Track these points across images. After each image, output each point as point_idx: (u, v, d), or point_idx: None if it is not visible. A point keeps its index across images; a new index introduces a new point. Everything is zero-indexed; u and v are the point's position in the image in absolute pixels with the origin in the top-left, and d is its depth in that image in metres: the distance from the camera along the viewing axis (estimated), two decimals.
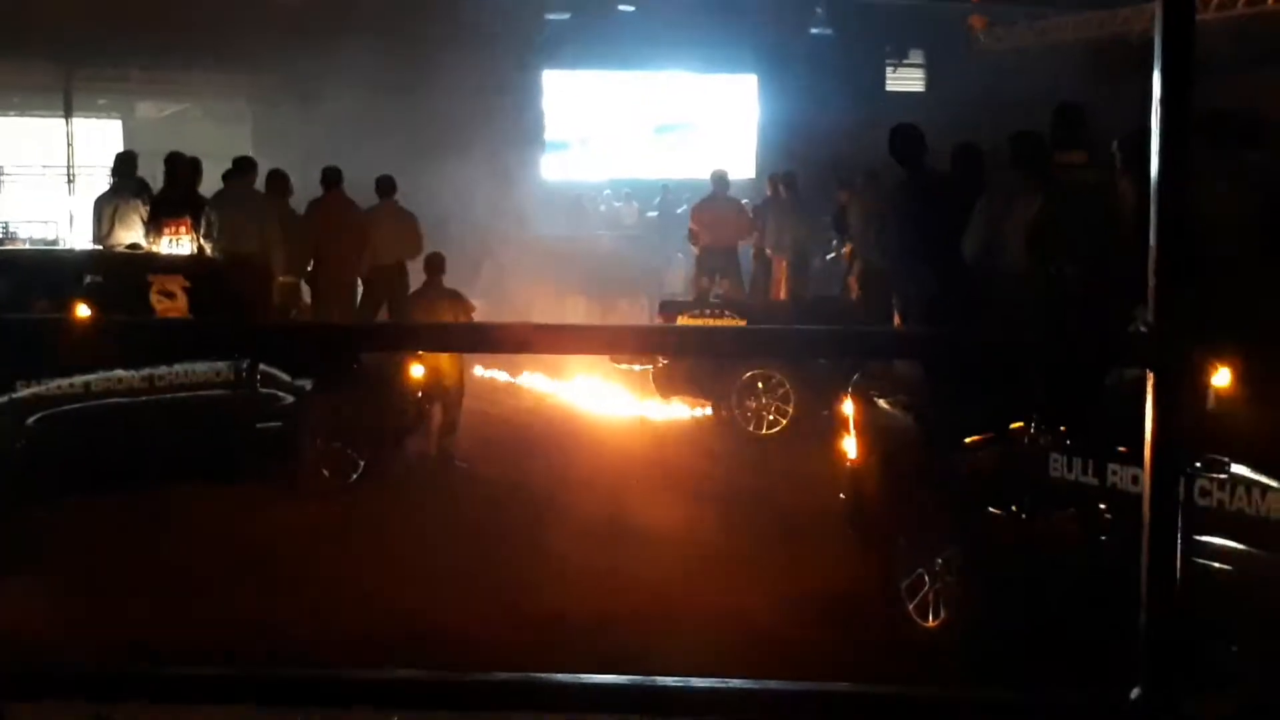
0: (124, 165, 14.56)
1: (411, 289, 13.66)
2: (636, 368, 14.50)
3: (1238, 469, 5.85)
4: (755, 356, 12.23)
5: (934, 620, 7.42)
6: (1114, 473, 6.40)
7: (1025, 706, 2.81)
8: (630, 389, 14.89)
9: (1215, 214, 7.05)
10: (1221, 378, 5.99)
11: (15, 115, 27.40)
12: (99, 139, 26.27)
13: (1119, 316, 6.25)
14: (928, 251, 9.75)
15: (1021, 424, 7.08)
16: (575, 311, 18.83)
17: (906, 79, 29.76)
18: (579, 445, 12.75)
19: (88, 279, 10.48)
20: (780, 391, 13.28)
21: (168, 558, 8.59)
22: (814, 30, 27.53)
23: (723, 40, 25.47)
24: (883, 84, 29.27)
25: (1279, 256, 7.54)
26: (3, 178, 26.59)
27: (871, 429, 8.44)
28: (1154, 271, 2.44)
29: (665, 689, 2.73)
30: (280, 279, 13.59)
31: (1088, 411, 6.61)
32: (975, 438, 7.50)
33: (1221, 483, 5.87)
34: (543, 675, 2.81)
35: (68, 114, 25.48)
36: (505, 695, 2.81)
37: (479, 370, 15.13)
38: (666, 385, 13.99)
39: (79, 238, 20.85)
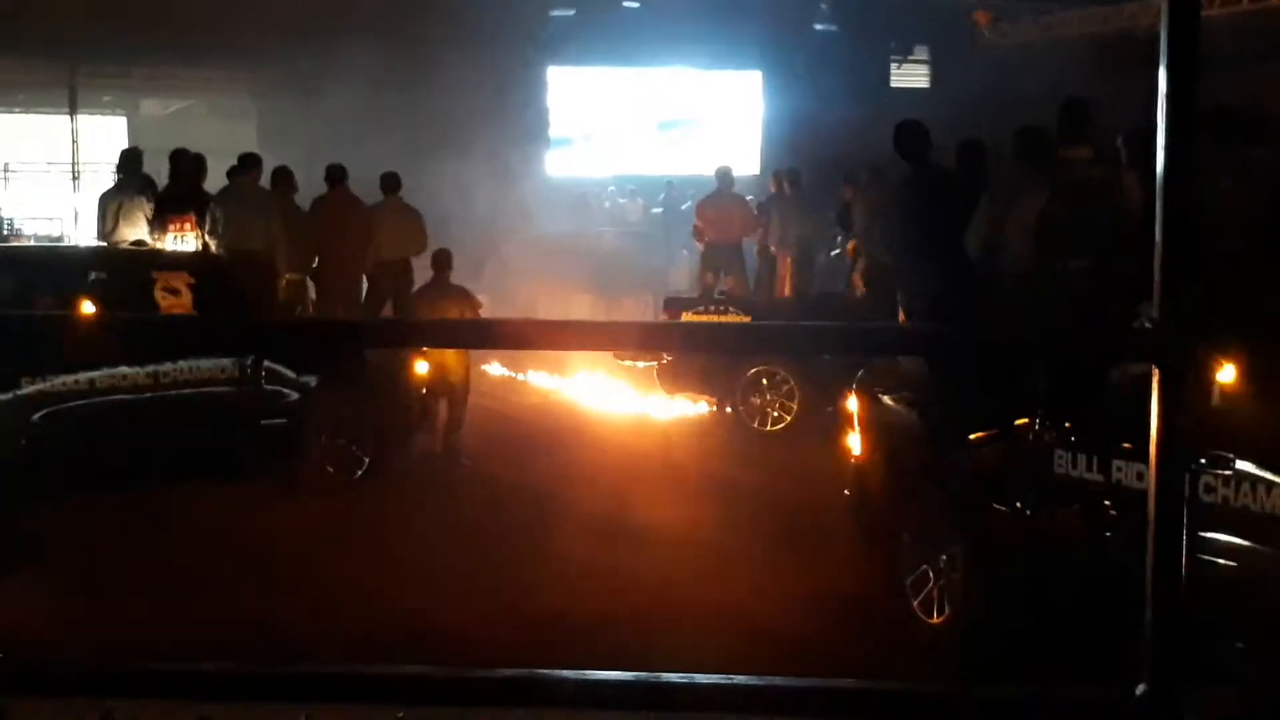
0: (129, 162, 14.57)
1: (416, 285, 13.66)
2: (641, 364, 14.50)
3: (1242, 465, 5.84)
4: (760, 353, 12.22)
5: (938, 616, 7.41)
6: (1119, 469, 6.39)
7: (1030, 703, 2.81)
8: (635, 385, 14.89)
9: (1219, 210, 7.04)
10: (1226, 374, 5.98)
11: (20, 112, 27.42)
12: (104, 136, 26.31)
13: (1124, 313, 6.24)
14: (932, 248, 9.74)
15: (1026, 420, 7.07)
16: (580, 308, 18.81)
17: (911, 75, 29.71)
18: (583, 442, 12.74)
19: (92, 275, 10.48)
20: (785, 388, 13.27)
21: (171, 555, 8.59)
22: (818, 26, 27.48)
23: (727, 36, 25.44)
24: (887, 80, 29.21)
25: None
26: (8, 174, 26.60)
27: (876, 425, 8.43)
28: (1159, 267, 2.44)
29: (669, 685, 2.73)
30: (286, 276, 13.61)
31: (1092, 408, 6.61)
32: (980, 434, 7.50)
33: (1226, 479, 5.86)
34: (547, 671, 2.82)
35: (72, 111, 25.49)
36: (509, 691, 2.81)
37: (484, 367, 15.13)
38: (671, 382, 13.99)
39: (84, 234, 20.86)
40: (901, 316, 10.43)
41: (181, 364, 9.95)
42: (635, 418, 14.18)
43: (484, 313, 12.51)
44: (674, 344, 9.94)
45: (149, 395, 9.85)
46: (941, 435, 7.76)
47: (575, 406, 14.68)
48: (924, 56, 29.72)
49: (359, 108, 20.93)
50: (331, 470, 10.79)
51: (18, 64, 23.36)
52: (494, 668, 2.78)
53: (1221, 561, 5.84)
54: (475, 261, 16.20)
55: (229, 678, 2.91)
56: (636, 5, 26.82)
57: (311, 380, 10.68)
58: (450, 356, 11.64)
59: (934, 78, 29.27)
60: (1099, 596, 6.11)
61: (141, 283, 10.21)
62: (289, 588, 8.05)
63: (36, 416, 9.44)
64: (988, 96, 17.68)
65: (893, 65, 29.66)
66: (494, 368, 15.70)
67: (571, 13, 26.62)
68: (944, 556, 7.39)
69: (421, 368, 11.60)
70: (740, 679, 2.74)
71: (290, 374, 10.61)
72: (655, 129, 27.92)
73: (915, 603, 7.54)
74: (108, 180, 15.68)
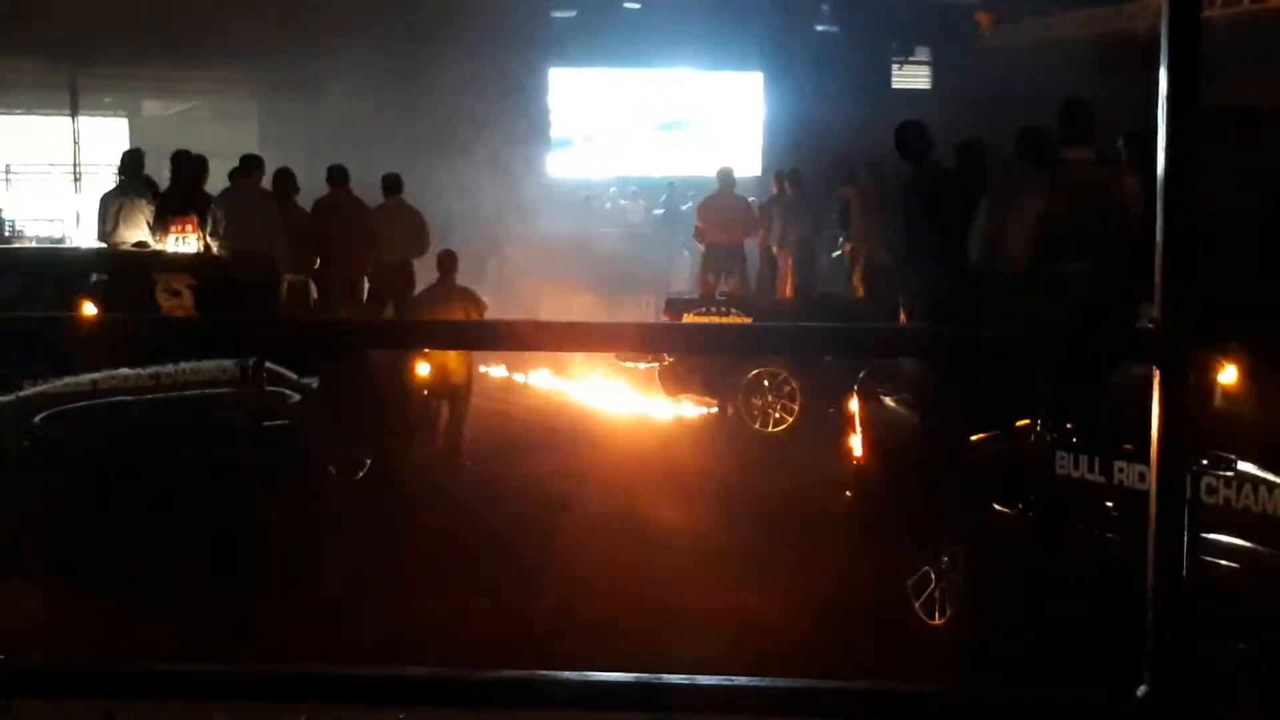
0: (131, 163, 14.57)
1: (418, 286, 13.65)
2: (642, 365, 14.49)
3: (1244, 466, 5.84)
4: (761, 354, 12.23)
5: (940, 617, 7.41)
6: (1120, 470, 6.39)
7: (1032, 704, 2.81)
8: (636, 386, 14.89)
9: (1219, 211, 7.03)
10: (1228, 374, 5.98)
11: (21, 114, 27.39)
12: (105, 137, 26.27)
13: (1124, 313, 6.24)
14: (933, 248, 9.74)
15: (1027, 421, 7.07)
16: (581, 309, 18.81)
17: (912, 76, 29.70)
18: (585, 443, 12.74)
19: (94, 277, 10.49)
20: (786, 389, 13.27)
21: (172, 556, 8.59)
22: (820, 27, 27.48)
23: (728, 38, 25.43)
24: (888, 81, 29.19)
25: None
26: (9, 176, 26.59)
27: (877, 426, 8.43)
28: (1159, 268, 2.44)
29: (670, 686, 2.73)
30: (287, 277, 13.61)
31: (1094, 408, 6.60)
32: (981, 435, 7.50)
33: (1228, 480, 5.86)
34: (549, 673, 2.81)
35: (74, 112, 25.49)
36: (510, 692, 2.81)
37: (485, 368, 15.13)
38: (673, 383, 13.99)
39: (85, 236, 20.86)
40: (902, 317, 10.43)
41: (183, 365, 9.96)
42: (636, 419, 14.18)
43: (486, 314, 12.51)
44: (675, 345, 9.94)
45: (150, 397, 9.86)
46: (943, 436, 7.76)
47: (577, 408, 14.68)
48: (925, 57, 29.72)
49: (360, 109, 20.93)
50: (333, 471, 10.79)
51: (19, 65, 23.35)
52: (495, 668, 2.78)
53: (1223, 562, 5.84)
54: (477, 262, 16.20)
55: (229, 678, 2.91)
56: (638, 6, 26.84)
57: (313, 382, 10.68)
58: (452, 358, 11.64)
59: (935, 79, 29.26)
60: (1100, 597, 6.11)
61: (143, 284, 10.22)
62: (289, 589, 8.04)
63: (38, 418, 9.45)
64: (989, 97, 17.66)
65: (894, 66, 29.66)
66: (496, 369, 15.69)
67: (573, 14, 26.64)
68: (946, 557, 7.39)
69: (423, 369, 11.60)
70: (741, 680, 2.74)
71: (292, 375, 10.61)
72: (656, 130, 27.92)
73: (917, 604, 7.54)
74: (109, 182, 15.68)
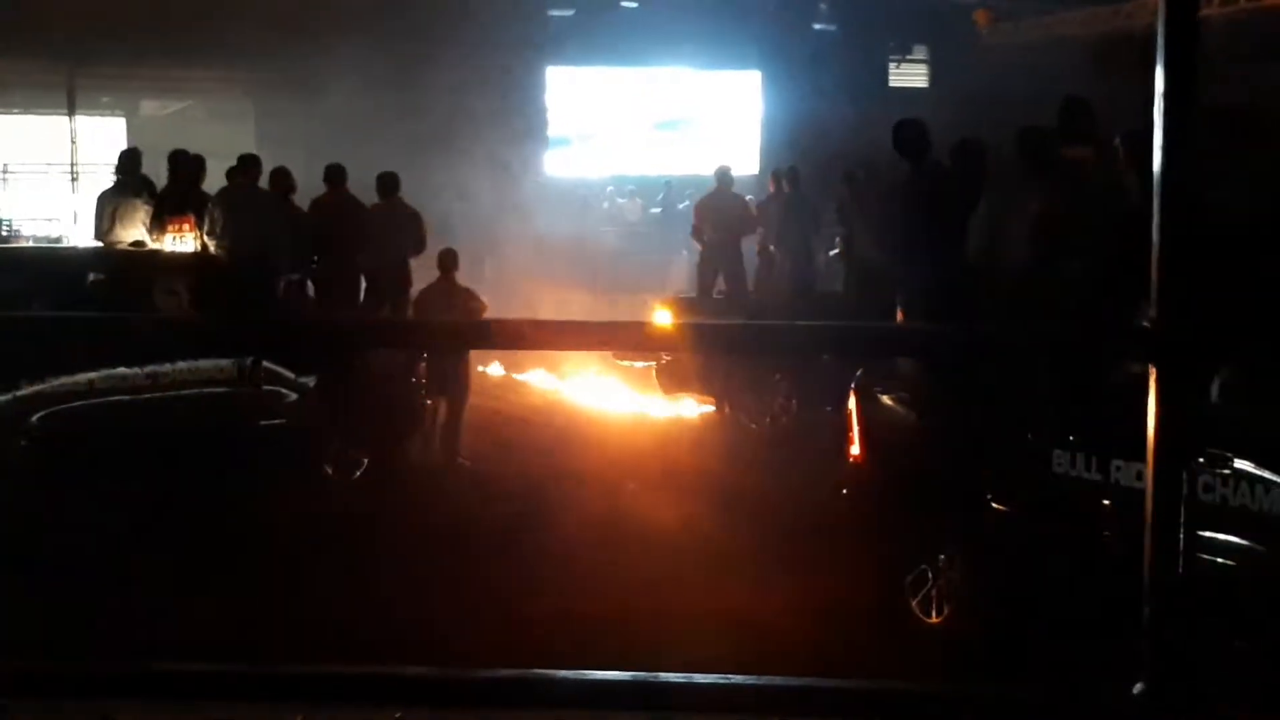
0: (128, 163, 14.56)
1: (415, 286, 13.65)
2: (639, 364, 14.50)
3: (1241, 464, 5.84)
4: (758, 353, 12.22)
5: (937, 616, 7.41)
6: (1117, 468, 6.39)
7: (1029, 702, 2.82)
8: (633, 385, 14.89)
9: (1216, 209, 7.03)
10: (1225, 372, 5.98)
11: (19, 113, 27.39)
12: (102, 136, 26.27)
13: (1123, 312, 6.24)
14: (932, 247, 9.74)
15: (1025, 419, 7.07)
16: (579, 308, 18.81)
17: (910, 75, 29.71)
18: (582, 442, 12.74)
19: (91, 277, 10.49)
20: (783, 388, 13.26)
21: (169, 556, 8.58)
22: (817, 26, 27.49)
23: (726, 36, 25.44)
24: (886, 80, 29.21)
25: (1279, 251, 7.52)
26: (7, 176, 26.57)
27: (874, 425, 8.43)
28: (1156, 266, 2.44)
29: (668, 685, 2.73)
30: (284, 277, 13.60)
31: (1091, 407, 6.61)
32: (978, 433, 7.50)
33: (1225, 478, 5.86)
34: (547, 671, 2.82)
35: (71, 111, 25.47)
36: (507, 691, 2.81)
37: (483, 367, 15.13)
38: (670, 381, 13.99)
39: (83, 235, 20.86)
40: (900, 316, 10.43)
41: (180, 365, 9.95)
42: (634, 417, 14.18)
43: (485, 314, 12.50)
44: (672, 344, 9.93)
45: (148, 396, 9.85)
46: (940, 434, 7.76)
47: (574, 406, 14.68)
48: (923, 56, 29.73)
49: (358, 108, 20.93)
50: (330, 471, 10.79)
51: (16, 65, 23.34)
52: (492, 668, 2.78)
53: (1220, 560, 5.84)
54: (474, 261, 16.20)
55: (227, 678, 2.91)
56: (635, 5, 26.85)
57: (310, 381, 10.68)
58: (449, 357, 11.63)
59: (933, 78, 29.27)
60: (1097, 596, 6.11)
61: (140, 284, 10.21)
62: (287, 588, 8.04)
63: (35, 418, 9.44)
64: (987, 96, 17.68)
65: (891, 65, 29.67)
66: (493, 368, 15.69)
67: (570, 13, 26.64)
68: (943, 556, 7.39)
69: (421, 368, 11.59)
70: (738, 679, 2.74)
71: (289, 375, 10.60)
72: (654, 129, 27.93)
73: (914, 602, 7.54)
74: (107, 181, 15.67)
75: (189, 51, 23.07)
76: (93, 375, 9.63)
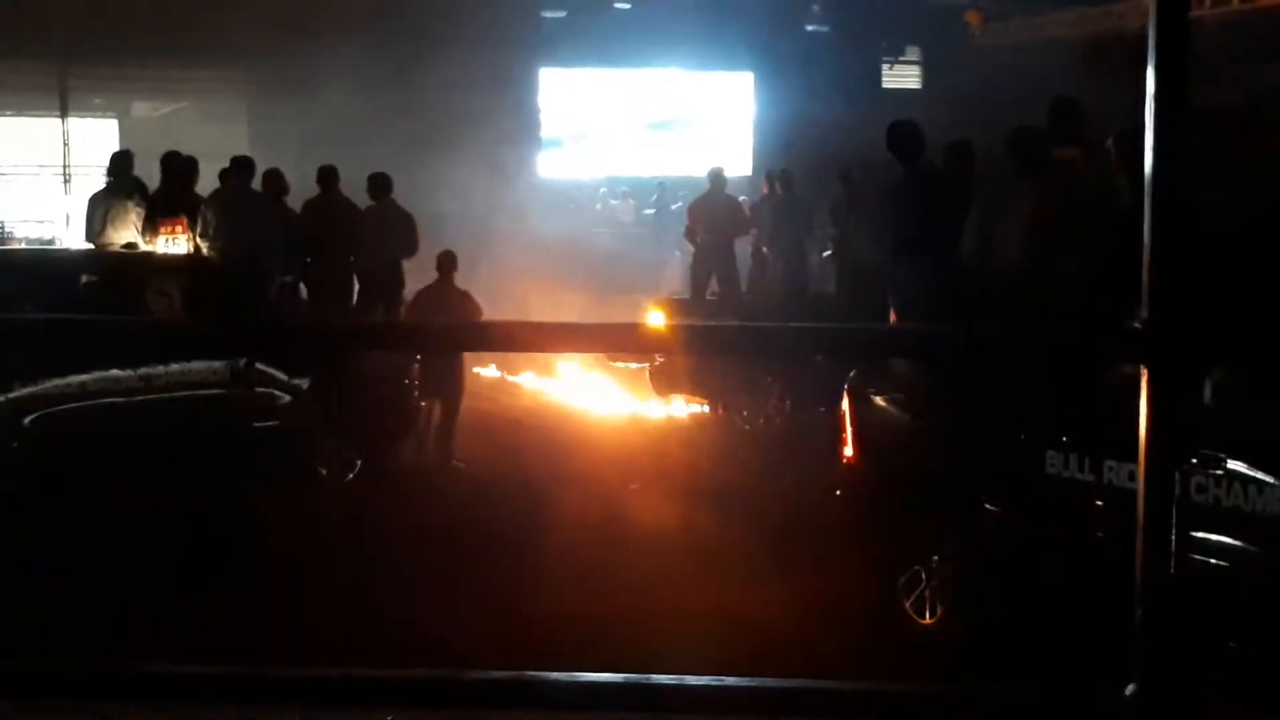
0: (118, 165, 14.53)
1: (408, 287, 13.65)
2: (633, 365, 14.50)
3: (1233, 465, 5.85)
4: (752, 354, 12.22)
5: (930, 617, 7.42)
6: (1110, 469, 6.40)
7: (1021, 703, 2.82)
8: (627, 387, 14.89)
9: (1208, 210, 7.04)
10: (1217, 373, 5.99)
11: (11, 115, 27.35)
12: (95, 138, 26.24)
13: (1115, 313, 6.24)
14: (925, 248, 9.74)
15: (1018, 420, 7.08)
16: (572, 309, 18.81)
17: (902, 76, 29.74)
18: (576, 444, 12.74)
19: (84, 279, 10.47)
20: (777, 389, 13.27)
21: (162, 557, 8.57)
22: (810, 27, 27.50)
23: (719, 37, 25.44)
24: (879, 81, 29.23)
25: (1272, 251, 7.53)
26: None
27: (868, 426, 8.43)
28: (1148, 267, 2.44)
29: (661, 686, 2.73)
30: (277, 278, 13.58)
31: (1084, 407, 6.61)
32: (971, 434, 7.50)
33: (1217, 479, 5.87)
34: (540, 673, 2.82)
35: (63, 113, 25.45)
36: (502, 693, 2.81)
37: (476, 368, 15.12)
38: (663, 383, 13.99)
39: (75, 237, 20.83)
40: (893, 317, 10.43)
41: (173, 367, 9.95)
42: (628, 419, 14.18)
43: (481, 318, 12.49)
44: (666, 345, 9.93)
45: (141, 398, 9.84)
46: (933, 435, 7.76)
47: (568, 408, 14.68)
48: (915, 57, 29.76)
49: (351, 110, 20.91)
50: (324, 472, 10.78)
51: (8, 66, 23.31)
52: (485, 669, 2.78)
53: (1212, 561, 5.85)
54: (468, 262, 16.18)
55: (222, 680, 2.90)
56: (628, 6, 26.85)
57: (303, 383, 10.67)
58: (443, 358, 11.63)
59: (925, 78, 29.31)
60: (1090, 597, 6.12)
61: (133, 286, 10.20)
62: (283, 588, 8.03)
63: (28, 420, 9.43)
64: (979, 97, 17.67)
65: (884, 66, 29.69)
66: (487, 369, 15.69)
67: (563, 14, 26.64)
68: (936, 557, 7.39)
69: (414, 369, 11.59)
70: (731, 680, 2.74)
71: (282, 377, 10.60)
72: (647, 130, 27.95)
73: (907, 603, 7.54)
74: (99, 183, 15.65)
75: (181, 53, 23.07)
76: (85, 377, 9.62)
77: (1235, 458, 5.84)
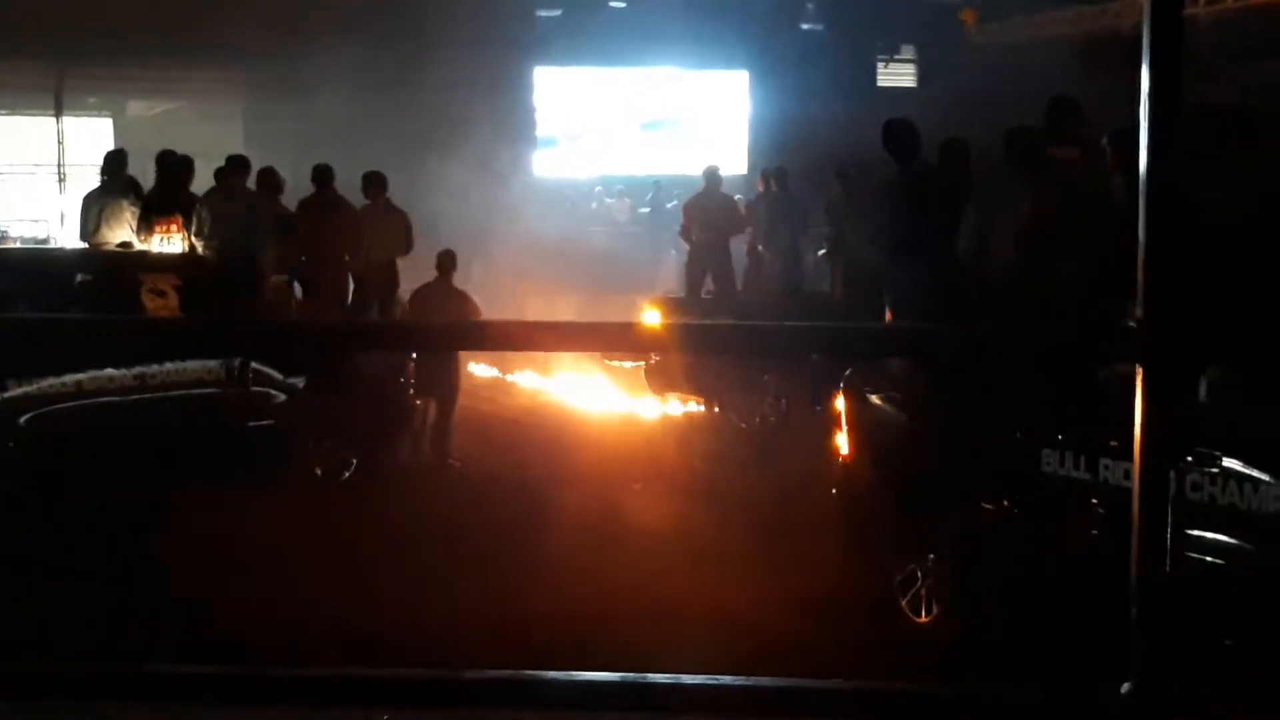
0: (113, 164, 14.53)
1: (404, 286, 13.64)
2: (629, 364, 14.50)
3: (1229, 463, 5.85)
4: (747, 353, 12.21)
5: (926, 615, 7.42)
6: (1105, 467, 6.40)
7: (1017, 701, 2.82)
8: (622, 385, 14.89)
9: (1204, 209, 7.05)
10: (1212, 371, 5.99)
11: (6, 114, 27.31)
12: (90, 138, 26.21)
13: (1111, 311, 6.24)
14: (921, 247, 9.75)
15: (1013, 419, 7.08)
16: (568, 308, 18.81)
17: (898, 74, 29.73)
18: (572, 442, 12.73)
19: (79, 278, 10.47)
20: (772, 388, 13.27)
21: (158, 557, 8.57)
22: (805, 26, 27.49)
23: (714, 36, 25.42)
24: (874, 80, 29.22)
25: (1268, 251, 7.54)
26: None
27: (864, 425, 8.44)
28: (1143, 266, 2.44)
29: (657, 685, 2.74)
30: (272, 277, 13.59)
31: (1080, 406, 6.62)
32: (967, 433, 7.51)
33: (1213, 477, 5.88)
34: (536, 672, 2.82)
35: (58, 113, 25.42)
36: (497, 692, 2.81)
37: (472, 367, 15.12)
38: (659, 381, 13.99)
39: (70, 237, 20.81)
40: (889, 315, 10.44)
41: (168, 366, 9.94)
42: (623, 418, 14.18)
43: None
44: (661, 344, 9.93)
45: (135, 398, 9.84)
46: (929, 434, 7.76)
47: (563, 407, 14.67)
48: (911, 56, 29.75)
49: (346, 109, 20.89)
50: (319, 472, 10.78)
51: (3, 65, 23.27)
52: (481, 668, 2.78)
53: (1208, 559, 5.85)
54: (463, 262, 16.19)
55: (220, 680, 2.90)
56: (623, 5, 26.84)
57: (299, 382, 10.67)
58: (439, 357, 11.62)
59: (921, 77, 29.30)
60: (1086, 595, 6.12)
61: (128, 285, 10.19)
62: (276, 590, 8.02)
63: (23, 419, 9.42)
64: (975, 96, 17.69)
65: (879, 65, 29.69)
66: (482, 368, 15.69)
67: (558, 13, 26.62)
68: (932, 555, 7.40)
69: (410, 368, 11.58)
70: (727, 679, 2.74)
71: (277, 376, 10.60)
72: (642, 129, 27.94)
73: (903, 602, 7.55)
74: (94, 182, 15.64)
75: (177, 52, 23.03)
76: (81, 377, 9.62)
77: (1230, 456, 5.85)
